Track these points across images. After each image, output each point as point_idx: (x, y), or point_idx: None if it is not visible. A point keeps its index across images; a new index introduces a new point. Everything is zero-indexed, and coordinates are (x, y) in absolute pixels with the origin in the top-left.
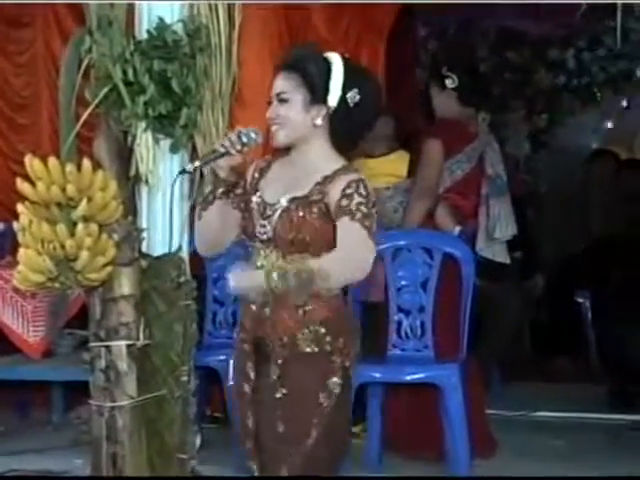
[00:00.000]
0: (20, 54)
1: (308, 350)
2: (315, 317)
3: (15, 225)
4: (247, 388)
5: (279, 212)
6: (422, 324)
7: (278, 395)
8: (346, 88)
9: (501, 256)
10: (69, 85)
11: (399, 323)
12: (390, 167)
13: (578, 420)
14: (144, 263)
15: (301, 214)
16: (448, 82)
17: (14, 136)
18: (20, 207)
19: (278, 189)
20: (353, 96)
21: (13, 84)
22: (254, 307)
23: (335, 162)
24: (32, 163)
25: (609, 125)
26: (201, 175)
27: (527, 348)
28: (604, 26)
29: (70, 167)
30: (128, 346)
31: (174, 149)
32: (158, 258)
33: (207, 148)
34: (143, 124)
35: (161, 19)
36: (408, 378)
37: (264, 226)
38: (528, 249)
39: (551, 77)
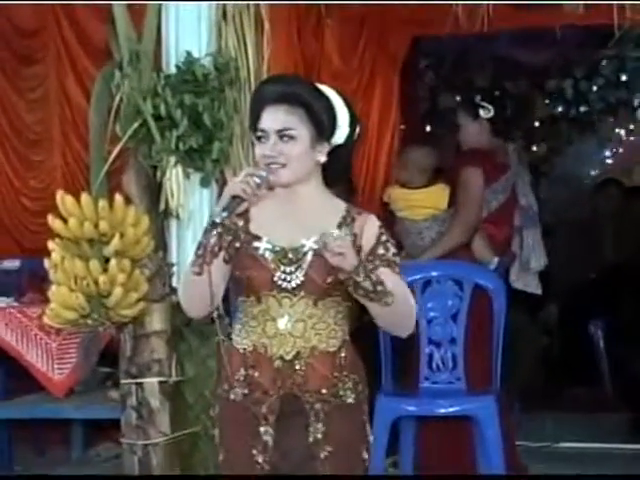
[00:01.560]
0: (32, 90)
1: (350, 401)
2: (349, 364)
3: (46, 262)
4: (260, 458)
5: (310, 255)
6: (453, 356)
7: (323, 455)
8: (353, 124)
9: (533, 287)
10: (99, 120)
11: (430, 355)
12: (430, 200)
13: (602, 450)
14: (175, 298)
15: None
16: (483, 112)
17: (26, 172)
18: (51, 244)
19: (287, 232)
20: (358, 132)
21: (25, 120)
22: (278, 362)
23: (334, 200)
24: (64, 199)
25: (608, 154)
26: None
27: (542, 377)
28: (602, 55)
29: (102, 203)
30: (161, 383)
31: (205, 183)
32: None
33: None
34: (173, 158)
35: (189, 53)
36: (443, 411)
37: (290, 272)
38: (542, 279)
39: (550, 106)
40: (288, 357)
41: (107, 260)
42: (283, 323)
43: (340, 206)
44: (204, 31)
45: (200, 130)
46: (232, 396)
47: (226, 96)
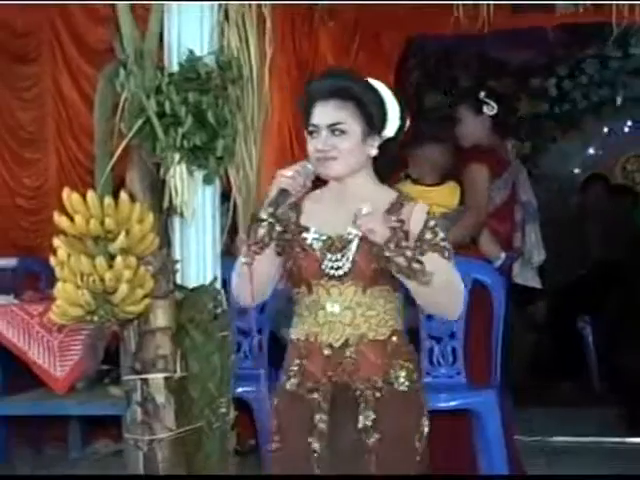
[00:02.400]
0: (27, 90)
1: (402, 389)
2: (402, 352)
3: (52, 260)
4: (317, 445)
5: (356, 242)
6: (453, 350)
7: (371, 440)
8: (403, 117)
9: (533, 281)
10: (103, 118)
11: (430, 350)
12: (441, 199)
13: (590, 444)
14: (179, 295)
15: None
16: (487, 108)
17: (20, 171)
18: (56, 241)
19: (335, 221)
20: (408, 125)
21: (20, 119)
22: (327, 351)
23: (385, 189)
24: (70, 197)
25: (591, 151)
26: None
27: (531, 372)
28: (586, 54)
29: (108, 200)
30: (166, 378)
31: (208, 180)
32: (193, 290)
33: (240, 180)
34: (177, 156)
35: (191, 51)
36: (443, 405)
37: (337, 260)
38: None
39: (533, 105)
40: (337, 344)
41: (113, 257)
42: (330, 306)
43: (391, 195)
44: (206, 30)
45: (204, 128)
46: (288, 386)
47: (229, 94)
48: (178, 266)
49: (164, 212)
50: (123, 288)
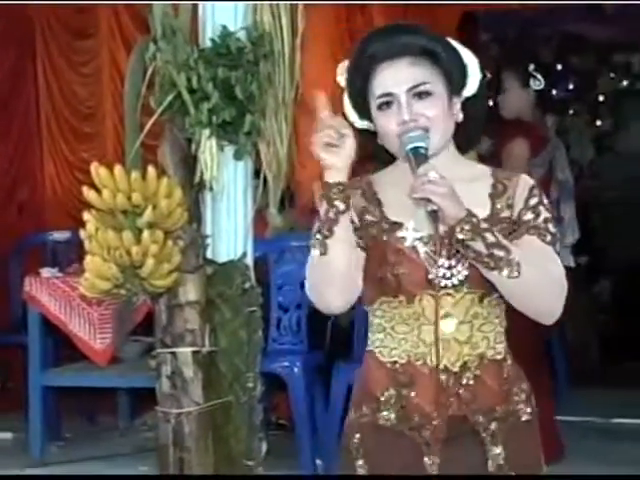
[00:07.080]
0: (85, 64)
1: (525, 418)
2: (516, 373)
3: (82, 233)
4: None
5: None
6: None
7: None
8: (483, 68)
9: (567, 260)
10: (133, 92)
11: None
12: None
13: None
14: (209, 270)
15: None
16: (535, 83)
17: (79, 145)
18: (86, 215)
19: (423, 214)
20: (488, 78)
21: (78, 94)
22: (443, 377)
23: (471, 164)
24: (98, 171)
25: None
26: (265, 181)
27: (595, 353)
28: None
29: (135, 175)
30: (194, 352)
31: (238, 156)
32: (223, 265)
33: (271, 155)
34: (207, 131)
35: (224, 27)
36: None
37: (451, 267)
38: (593, 254)
39: (615, 81)
40: (455, 369)
41: (140, 231)
42: (451, 326)
43: (484, 172)
44: (240, 5)
45: (233, 103)
46: (381, 421)
47: (260, 70)
48: (209, 241)
49: (195, 187)
50: (150, 262)
